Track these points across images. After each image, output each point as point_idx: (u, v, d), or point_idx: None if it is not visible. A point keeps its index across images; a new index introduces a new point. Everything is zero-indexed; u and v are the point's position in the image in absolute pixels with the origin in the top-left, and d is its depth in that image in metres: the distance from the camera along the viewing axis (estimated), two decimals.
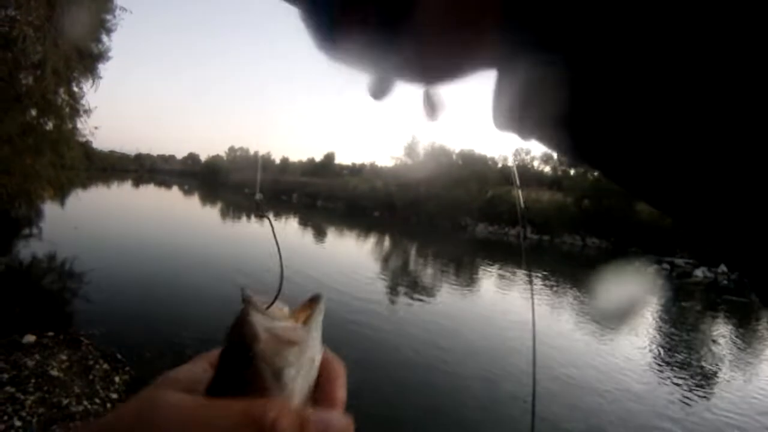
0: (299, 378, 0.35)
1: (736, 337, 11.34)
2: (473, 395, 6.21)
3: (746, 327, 12.41)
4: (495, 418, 5.63)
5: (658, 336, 10.84)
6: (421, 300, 12.01)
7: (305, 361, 0.36)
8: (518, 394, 6.02)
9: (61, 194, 11.71)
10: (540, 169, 42.75)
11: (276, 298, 0.39)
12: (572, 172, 37.20)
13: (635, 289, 16.34)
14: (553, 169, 41.49)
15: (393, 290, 13.42)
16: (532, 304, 3.68)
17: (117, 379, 5.32)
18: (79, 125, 10.51)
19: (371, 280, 14.16)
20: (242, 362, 0.34)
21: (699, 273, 20.87)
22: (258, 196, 0.65)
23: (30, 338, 5.71)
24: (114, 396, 4.92)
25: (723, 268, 21.08)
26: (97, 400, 4.68)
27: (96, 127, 11.01)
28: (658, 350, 9.44)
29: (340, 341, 7.79)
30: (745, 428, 6.11)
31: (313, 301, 0.40)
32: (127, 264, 10.50)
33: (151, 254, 12.12)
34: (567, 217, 30.09)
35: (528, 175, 40.03)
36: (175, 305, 8.45)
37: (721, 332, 11.60)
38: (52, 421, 4.13)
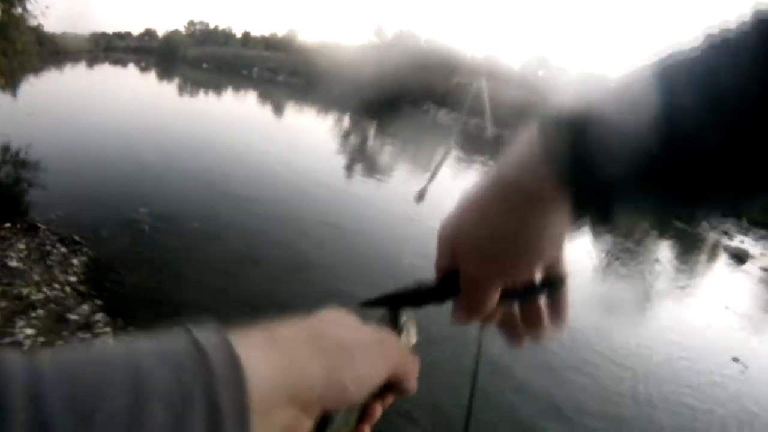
0: None
1: (678, 262, 12.02)
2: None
3: (688, 254, 13.07)
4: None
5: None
6: (377, 180, 12.12)
7: None
8: None
9: (12, 82, 11.00)
10: (508, 65, 42.13)
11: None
12: (540, 73, 36.87)
13: None
14: (522, 66, 41.04)
15: (349, 168, 13.57)
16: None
17: (75, 261, 5.21)
18: (29, 6, 9.93)
19: (328, 154, 14.23)
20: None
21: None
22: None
23: None
24: (73, 279, 4.83)
25: None
26: (57, 285, 4.59)
27: (47, 7, 10.54)
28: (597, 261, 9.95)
29: (294, 215, 8.02)
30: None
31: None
32: (82, 147, 10.07)
33: (105, 135, 11.60)
34: (530, 116, 30.13)
35: (496, 69, 39.43)
36: (130, 183, 8.22)
37: (664, 255, 12.21)
38: (14, 314, 4.08)
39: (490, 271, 0.47)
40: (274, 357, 0.33)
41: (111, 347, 0.29)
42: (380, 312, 0.51)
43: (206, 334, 0.30)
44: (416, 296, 0.51)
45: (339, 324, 0.40)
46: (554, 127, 0.42)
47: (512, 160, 0.45)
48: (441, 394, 3.76)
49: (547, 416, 4.57)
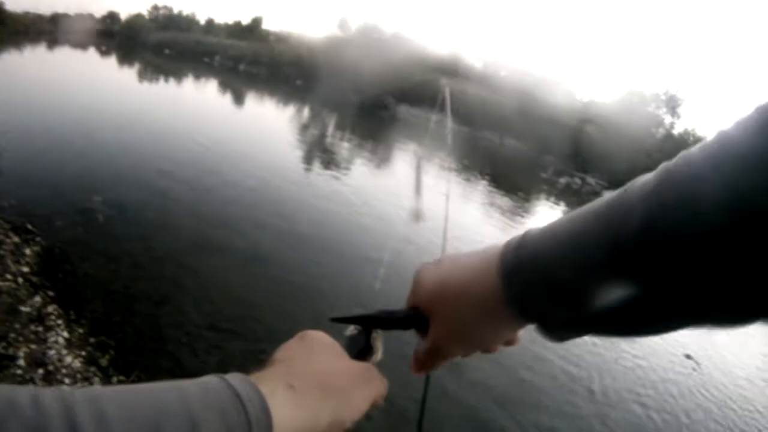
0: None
1: None
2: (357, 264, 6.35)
3: None
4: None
5: None
6: (332, 174, 12.16)
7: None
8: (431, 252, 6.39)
9: None
10: (471, 63, 42.47)
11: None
12: (502, 73, 37.32)
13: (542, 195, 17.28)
14: (484, 66, 41.42)
15: (307, 159, 13.58)
16: (448, 190, 3.81)
17: (28, 251, 5.10)
18: None
19: (286, 148, 14.18)
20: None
21: (607, 195, 22.19)
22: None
23: None
24: (25, 269, 4.73)
25: None
26: (9, 276, 4.47)
27: None
28: None
29: (251, 206, 8.01)
30: None
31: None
32: (36, 133, 9.73)
33: (60, 121, 11.27)
34: (489, 114, 30.53)
35: (459, 68, 39.72)
36: (85, 171, 8.01)
37: None
38: None
39: (455, 346, 0.57)
40: (294, 406, 0.42)
41: (163, 392, 0.36)
42: (351, 327, 0.61)
43: (242, 386, 0.39)
44: (387, 321, 0.60)
45: (330, 358, 0.51)
46: (513, 260, 0.50)
47: (478, 269, 0.53)
48: (396, 389, 3.83)
49: (500, 412, 4.68)
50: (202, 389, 0.38)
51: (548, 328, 0.49)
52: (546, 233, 0.49)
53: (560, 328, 0.49)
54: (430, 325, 0.57)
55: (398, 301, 0.63)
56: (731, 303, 0.38)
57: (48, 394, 0.32)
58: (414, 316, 0.58)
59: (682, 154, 0.41)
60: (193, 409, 0.35)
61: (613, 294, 0.42)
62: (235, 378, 0.40)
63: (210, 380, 0.40)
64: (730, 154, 0.37)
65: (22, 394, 0.31)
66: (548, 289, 0.46)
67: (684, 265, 0.38)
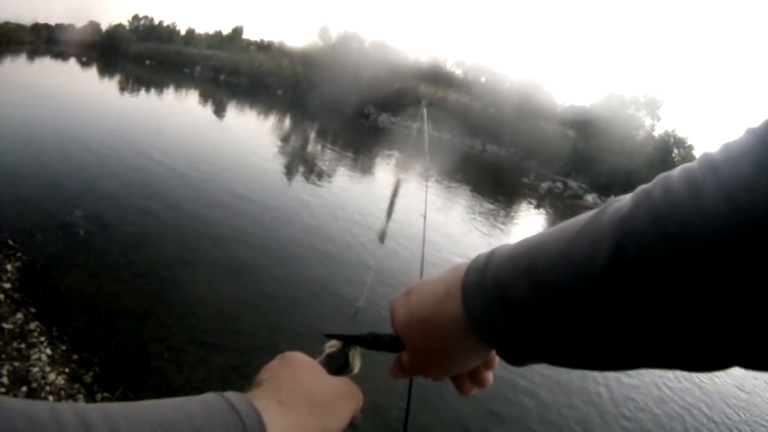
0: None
1: None
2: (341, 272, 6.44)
3: None
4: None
5: None
6: (313, 186, 12.19)
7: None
8: (411, 270, 6.49)
9: None
10: (452, 70, 42.69)
11: None
12: (483, 79, 37.56)
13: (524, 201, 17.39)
14: (464, 73, 41.62)
15: (288, 170, 13.57)
16: (425, 210, 3.83)
17: (9, 267, 5.06)
18: None
19: (268, 160, 14.17)
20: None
21: (590, 198, 22.25)
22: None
23: None
24: (6, 286, 4.70)
25: (613, 198, 22.46)
26: None
27: None
28: None
29: (233, 219, 8.00)
30: None
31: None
32: (14, 146, 9.66)
33: (40, 134, 11.14)
34: (470, 121, 30.67)
35: (440, 74, 39.94)
36: (65, 185, 7.95)
37: None
38: None
39: (431, 371, 0.60)
40: (285, 420, 0.46)
41: (169, 408, 0.40)
42: (331, 343, 0.65)
43: (240, 402, 0.43)
44: (373, 343, 0.64)
45: (313, 376, 0.55)
46: (474, 287, 0.51)
47: (441, 298, 0.55)
48: (380, 397, 3.86)
49: (487, 418, 4.69)
50: (203, 405, 0.41)
51: (507, 353, 0.50)
52: (511, 257, 0.49)
53: (520, 355, 0.49)
54: (405, 352, 0.61)
55: (377, 317, 0.69)
56: (701, 342, 0.36)
57: (64, 408, 0.34)
58: (396, 342, 0.62)
59: (662, 176, 0.40)
60: (198, 423, 0.39)
61: (577, 324, 0.42)
62: (232, 395, 0.44)
63: (210, 397, 0.43)
64: (714, 182, 0.35)
65: (41, 408, 0.33)
66: (510, 319, 0.46)
67: (652, 299, 0.37)
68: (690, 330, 0.36)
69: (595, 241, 0.40)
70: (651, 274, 0.36)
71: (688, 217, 0.35)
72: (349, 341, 0.65)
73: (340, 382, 0.56)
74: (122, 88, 27.55)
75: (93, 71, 36.10)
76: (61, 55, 42.26)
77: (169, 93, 30.04)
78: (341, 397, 0.54)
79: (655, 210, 0.37)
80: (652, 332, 0.38)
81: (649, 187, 0.39)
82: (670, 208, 0.36)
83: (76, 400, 3.51)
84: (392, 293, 0.66)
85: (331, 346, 0.65)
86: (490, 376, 0.62)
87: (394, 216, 4.85)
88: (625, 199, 0.41)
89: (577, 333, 0.42)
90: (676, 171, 0.39)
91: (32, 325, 4.20)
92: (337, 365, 0.62)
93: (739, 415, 6.11)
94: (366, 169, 16.39)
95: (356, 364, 0.64)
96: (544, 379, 5.51)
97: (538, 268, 0.44)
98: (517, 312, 0.46)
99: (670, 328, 0.36)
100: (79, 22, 60.09)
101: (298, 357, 0.56)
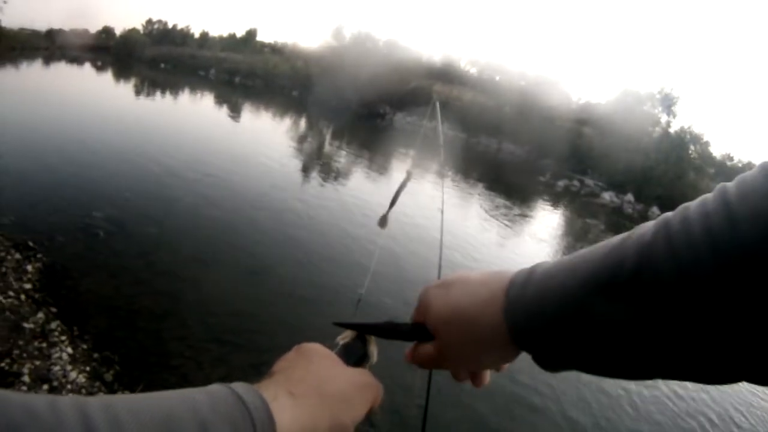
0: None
1: None
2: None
3: None
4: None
5: (558, 243, 11.77)
6: (330, 185, 12.21)
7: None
8: (428, 275, 6.42)
9: None
10: (466, 69, 42.62)
11: None
12: (497, 77, 37.43)
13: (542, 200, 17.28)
14: (479, 72, 41.55)
15: (304, 170, 13.63)
16: (443, 205, 3.81)
17: (30, 267, 5.10)
18: None
19: (285, 161, 14.22)
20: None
21: (606, 196, 22.09)
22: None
23: None
24: (27, 286, 4.73)
25: (630, 196, 22.40)
26: (11, 293, 4.48)
27: (4, 2, 10.00)
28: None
29: (251, 221, 8.03)
30: None
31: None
32: (35, 149, 9.77)
33: (57, 135, 11.30)
34: (486, 120, 30.60)
35: (454, 74, 39.89)
36: (85, 187, 8.05)
37: None
38: None
39: (455, 365, 0.62)
40: (294, 411, 0.45)
41: (173, 400, 0.39)
42: (345, 334, 0.64)
43: (247, 393, 0.42)
44: (392, 332, 0.63)
45: (328, 366, 0.54)
46: (517, 300, 0.53)
47: (487, 301, 0.56)
48: (398, 395, 3.84)
49: (504, 415, 4.67)
50: (209, 396, 0.40)
51: (542, 361, 0.53)
52: (550, 273, 0.51)
53: (553, 363, 0.52)
54: (434, 343, 0.60)
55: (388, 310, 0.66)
56: (707, 360, 0.40)
57: (64, 401, 0.33)
58: (419, 331, 0.61)
59: (682, 206, 0.43)
60: (203, 415, 0.38)
61: (601, 338, 0.45)
62: (239, 386, 0.43)
63: (216, 388, 0.42)
64: (724, 216, 0.38)
65: (39, 400, 0.32)
66: (548, 329, 0.49)
67: (663, 322, 0.40)
68: (698, 349, 0.40)
69: (618, 264, 0.44)
70: (663, 299, 0.40)
71: (698, 248, 0.38)
72: (363, 330, 0.63)
73: (356, 373, 0.56)
74: (138, 92, 27.85)
75: (108, 75, 36.59)
76: (76, 59, 42.89)
77: (185, 96, 30.33)
78: (357, 388, 0.53)
79: (671, 239, 0.40)
80: (664, 349, 0.42)
81: (670, 216, 0.43)
82: (685, 239, 0.39)
83: None
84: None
85: (344, 336, 0.63)
86: (488, 377, 0.64)
87: (408, 211, 4.83)
88: (649, 226, 0.44)
89: (601, 346, 0.46)
90: (695, 202, 0.42)
91: (53, 325, 4.23)
92: (355, 356, 0.61)
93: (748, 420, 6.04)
94: (381, 168, 16.40)
95: (374, 354, 0.63)
96: (562, 381, 5.46)
97: (569, 285, 0.48)
98: (552, 325, 0.49)
99: (680, 347, 0.41)
100: (94, 28, 60.94)
101: (314, 348, 0.56)
